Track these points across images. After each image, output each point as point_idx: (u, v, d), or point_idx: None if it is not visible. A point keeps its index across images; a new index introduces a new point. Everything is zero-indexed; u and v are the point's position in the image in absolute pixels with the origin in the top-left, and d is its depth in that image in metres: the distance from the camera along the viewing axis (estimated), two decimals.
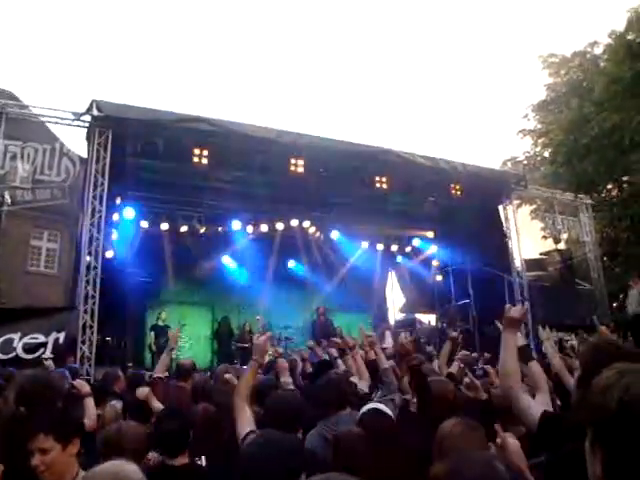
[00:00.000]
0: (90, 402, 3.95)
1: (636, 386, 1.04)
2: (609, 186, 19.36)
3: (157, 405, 4.00)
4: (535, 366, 2.95)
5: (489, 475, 1.33)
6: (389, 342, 4.77)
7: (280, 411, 3.02)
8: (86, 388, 4.08)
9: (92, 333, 8.79)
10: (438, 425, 2.45)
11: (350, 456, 2.48)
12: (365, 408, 3.20)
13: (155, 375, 4.58)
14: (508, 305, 2.81)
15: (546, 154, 21.42)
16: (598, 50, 19.82)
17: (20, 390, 3.11)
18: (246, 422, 2.77)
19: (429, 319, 16.22)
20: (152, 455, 3.14)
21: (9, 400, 3.09)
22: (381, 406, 3.26)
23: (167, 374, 5.40)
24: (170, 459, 2.99)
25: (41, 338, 8.31)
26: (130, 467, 1.80)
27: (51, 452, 2.59)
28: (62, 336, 8.47)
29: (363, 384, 4.61)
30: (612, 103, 15.74)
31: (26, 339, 8.22)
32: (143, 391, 4.16)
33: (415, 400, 3.68)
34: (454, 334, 6.04)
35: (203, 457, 3.22)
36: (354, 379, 4.61)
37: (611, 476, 1.04)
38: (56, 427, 2.69)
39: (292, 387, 4.85)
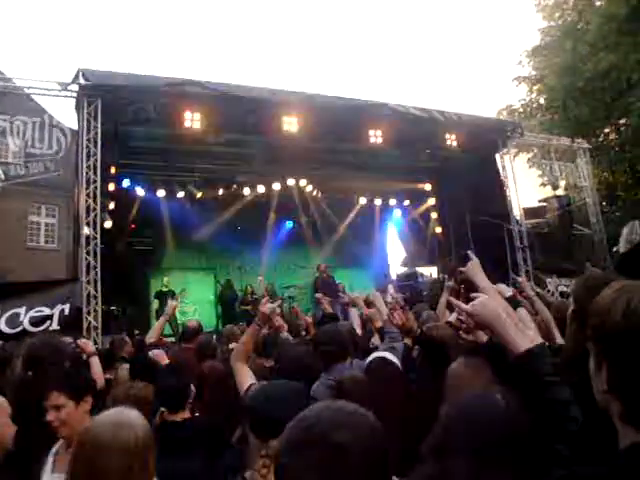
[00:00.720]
0: (95, 360, 4.03)
1: (637, 298, 1.09)
2: (606, 130, 19.17)
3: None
4: (522, 311, 3.02)
5: (491, 411, 1.35)
6: (392, 296, 4.78)
7: (292, 361, 3.07)
8: (90, 347, 4.14)
9: (97, 303, 8.85)
10: (440, 370, 2.50)
11: (352, 397, 2.54)
12: (371, 357, 3.25)
13: (149, 341, 4.62)
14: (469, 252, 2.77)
15: (542, 101, 21.11)
16: None
17: (27, 355, 3.17)
18: (246, 377, 2.81)
19: (430, 271, 16.32)
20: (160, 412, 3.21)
21: (17, 366, 3.15)
22: (387, 354, 3.31)
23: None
24: (171, 414, 3.05)
25: (46, 311, 8.39)
26: (132, 413, 1.84)
27: (64, 409, 2.69)
28: (67, 308, 8.55)
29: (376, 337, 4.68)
30: (607, 42, 15.40)
31: (32, 312, 8.29)
32: (157, 353, 4.23)
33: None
34: (450, 284, 6.08)
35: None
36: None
37: (616, 389, 1.08)
38: (68, 385, 2.80)
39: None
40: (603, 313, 1.12)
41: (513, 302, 3.01)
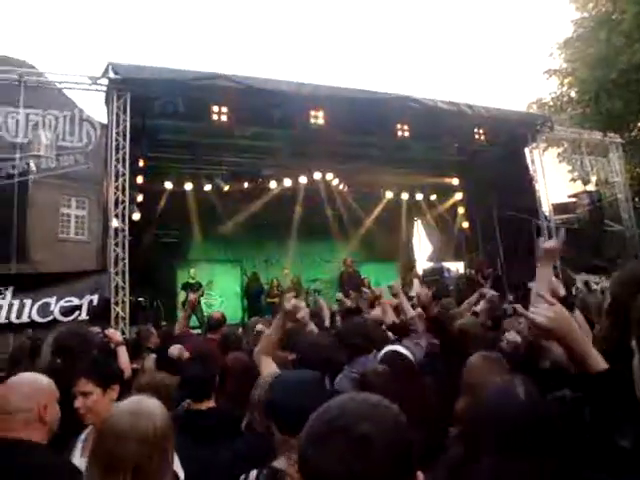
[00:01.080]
0: (122, 350, 4.09)
1: None
2: None
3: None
4: (578, 314, 2.87)
5: (509, 402, 1.34)
6: (417, 290, 4.76)
7: (312, 353, 3.08)
8: (118, 337, 4.22)
9: (124, 294, 8.99)
10: (459, 362, 2.48)
11: (375, 390, 2.53)
12: (385, 350, 3.24)
13: (176, 332, 4.68)
14: (542, 238, 2.76)
15: (573, 94, 20.66)
16: None
17: (56, 342, 3.24)
18: (270, 370, 2.83)
19: (457, 267, 16.18)
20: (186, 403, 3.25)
21: (45, 353, 3.22)
22: (399, 347, 3.30)
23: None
24: (195, 403, 3.08)
25: (76, 301, 8.55)
26: (151, 401, 1.85)
27: (91, 396, 2.75)
28: (96, 298, 8.70)
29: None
30: None
31: (62, 302, 8.46)
32: (175, 348, 4.28)
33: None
34: (491, 293, 5.81)
35: None
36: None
37: None
38: (96, 372, 2.86)
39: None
40: None
41: (567, 303, 2.88)
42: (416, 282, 6.28)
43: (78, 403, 2.72)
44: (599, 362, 1.53)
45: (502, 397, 1.38)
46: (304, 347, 3.32)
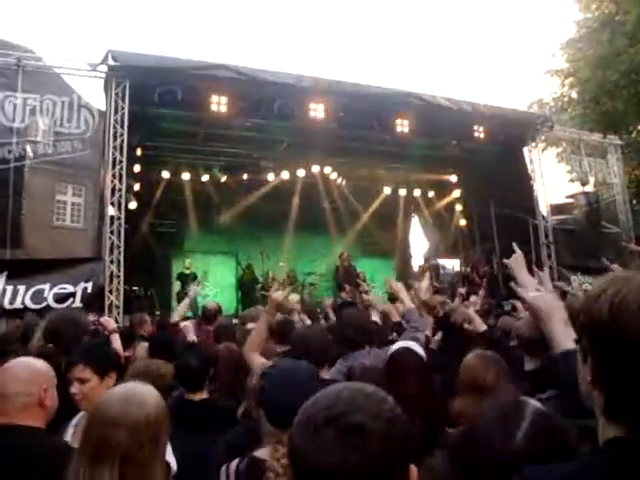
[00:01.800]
0: (115, 337, 4.07)
1: (626, 290, 1.04)
2: None
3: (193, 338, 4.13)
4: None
5: (511, 415, 1.32)
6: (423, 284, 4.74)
7: (302, 344, 3.07)
8: (112, 325, 4.21)
9: (119, 283, 8.96)
10: (456, 356, 2.46)
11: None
12: (396, 346, 3.19)
13: (174, 320, 4.68)
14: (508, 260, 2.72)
15: (574, 94, 20.66)
16: None
17: (48, 327, 3.21)
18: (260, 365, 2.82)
19: (453, 264, 16.19)
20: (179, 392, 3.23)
21: (37, 338, 3.19)
22: (412, 344, 3.27)
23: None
24: (189, 393, 3.07)
25: (70, 288, 8.52)
26: (145, 388, 1.82)
27: (89, 382, 2.70)
28: (90, 286, 8.67)
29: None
30: None
31: (56, 289, 8.44)
32: (187, 325, 4.27)
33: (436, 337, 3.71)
34: (462, 291, 5.93)
35: None
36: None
37: (599, 380, 1.05)
38: (95, 359, 2.80)
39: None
40: (590, 303, 1.08)
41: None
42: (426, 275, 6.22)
43: (75, 389, 2.68)
44: (564, 344, 1.64)
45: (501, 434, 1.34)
46: (294, 338, 3.31)
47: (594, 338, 1.07)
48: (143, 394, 1.76)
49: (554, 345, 1.70)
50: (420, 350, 3.16)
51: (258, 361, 2.90)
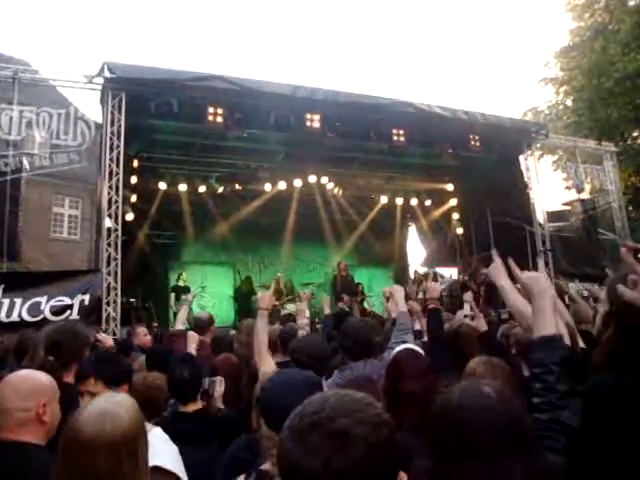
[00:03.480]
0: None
1: None
2: (635, 134, 18.82)
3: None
4: (558, 302, 2.94)
5: (484, 404, 1.31)
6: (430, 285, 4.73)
7: (306, 353, 3.06)
8: (110, 341, 4.19)
9: (116, 294, 8.93)
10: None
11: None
12: (399, 347, 3.17)
13: (175, 329, 4.67)
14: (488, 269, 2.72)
15: (568, 102, 20.80)
16: None
17: (49, 340, 3.18)
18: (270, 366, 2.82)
19: (450, 272, 16.20)
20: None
21: (38, 351, 3.16)
22: (414, 346, 3.24)
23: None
24: (182, 405, 3.06)
25: (67, 300, 8.48)
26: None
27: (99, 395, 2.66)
28: (87, 298, 8.63)
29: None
30: (639, 43, 15.08)
31: (52, 302, 8.39)
32: (194, 335, 4.26)
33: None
34: (468, 297, 5.90)
35: None
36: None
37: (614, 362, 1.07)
38: (107, 373, 2.77)
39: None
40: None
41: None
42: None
43: (85, 403, 2.65)
44: (548, 330, 1.74)
45: (472, 398, 1.34)
46: (295, 349, 3.29)
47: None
48: (117, 408, 1.67)
49: (538, 326, 1.77)
50: (421, 351, 3.14)
51: (269, 362, 2.90)
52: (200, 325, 5.62)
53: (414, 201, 16.07)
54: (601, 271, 11.88)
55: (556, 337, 1.72)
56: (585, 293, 11.65)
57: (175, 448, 2.46)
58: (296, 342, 3.41)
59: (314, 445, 0.99)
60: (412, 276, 16.48)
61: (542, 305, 1.82)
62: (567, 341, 2.81)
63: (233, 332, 6.81)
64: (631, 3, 17.56)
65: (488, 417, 1.24)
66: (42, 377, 2.28)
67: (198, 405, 3.09)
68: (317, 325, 8.30)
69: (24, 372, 2.35)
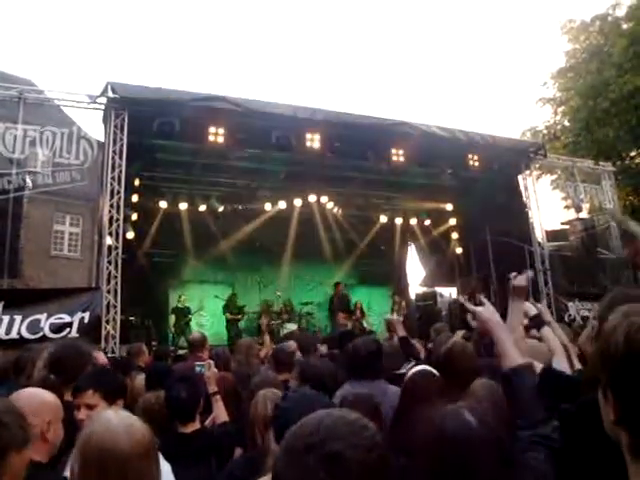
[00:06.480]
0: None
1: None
2: (632, 153, 18.94)
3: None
4: (548, 332, 2.97)
5: (464, 432, 1.35)
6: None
7: (314, 376, 3.07)
8: (104, 359, 4.19)
9: (116, 312, 8.92)
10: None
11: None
12: (416, 369, 3.16)
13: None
14: (514, 273, 2.78)
15: (566, 122, 20.98)
16: (620, 12, 19.17)
17: (51, 357, 3.19)
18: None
19: (450, 292, 16.20)
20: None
21: (38, 367, 3.18)
22: (430, 368, 3.24)
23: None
24: (181, 426, 3.06)
25: (67, 318, 8.47)
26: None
27: (97, 409, 2.66)
28: (87, 316, 8.63)
29: None
30: (633, 65, 15.27)
31: (52, 319, 8.37)
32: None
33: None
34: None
35: None
36: None
37: (624, 419, 1.03)
38: (105, 385, 2.79)
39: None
40: (606, 339, 1.06)
41: (537, 321, 2.98)
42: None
43: (82, 415, 2.65)
44: (515, 360, 1.80)
45: (456, 425, 1.39)
46: (301, 368, 3.31)
47: (613, 374, 1.05)
48: (131, 419, 1.74)
49: (505, 359, 1.83)
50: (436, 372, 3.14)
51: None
52: (195, 345, 5.63)
53: (413, 221, 16.12)
54: (602, 290, 11.88)
55: (518, 370, 1.77)
56: (586, 313, 11.66)
57: (167, 467, 2.46)
58: (304, 366, 3.41)
59: (308, 468, 0.99)
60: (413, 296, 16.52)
61: (498, 337, 1.89)
62: (563, 363, 2.86)
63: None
64: (624, 26, 17.84)
65: (472, 447, 1.29)
66: (48, 396, 2.31)
67: (196, 425, 3.09)
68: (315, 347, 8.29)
69: (31, 390, 2.37)
